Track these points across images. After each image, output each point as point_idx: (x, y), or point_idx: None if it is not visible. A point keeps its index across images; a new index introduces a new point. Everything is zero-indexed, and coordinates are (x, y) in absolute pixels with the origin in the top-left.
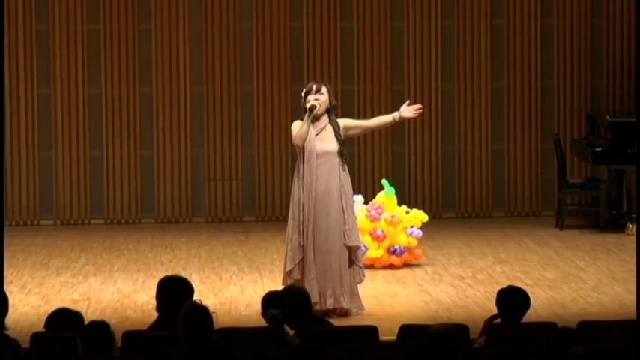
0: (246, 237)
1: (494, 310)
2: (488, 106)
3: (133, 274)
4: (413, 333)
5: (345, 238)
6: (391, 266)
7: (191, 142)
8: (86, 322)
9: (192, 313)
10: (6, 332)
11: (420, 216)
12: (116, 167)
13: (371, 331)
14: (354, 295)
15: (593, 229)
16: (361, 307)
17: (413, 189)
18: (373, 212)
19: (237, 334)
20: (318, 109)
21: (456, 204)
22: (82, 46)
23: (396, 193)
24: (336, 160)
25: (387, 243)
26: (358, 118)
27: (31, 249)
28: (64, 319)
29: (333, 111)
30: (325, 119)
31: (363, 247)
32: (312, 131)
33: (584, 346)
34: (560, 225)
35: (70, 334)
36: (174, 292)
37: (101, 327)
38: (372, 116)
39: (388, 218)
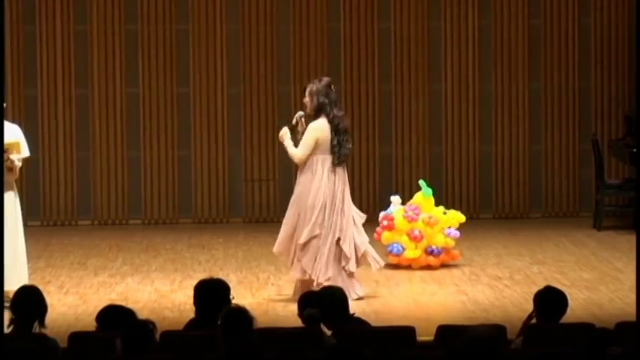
0: None
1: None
2: (526, 106)
3: (171, 274)
4: (450, 334)
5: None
6: (428, 267)
7: (228, 142)
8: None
9: (232, 316)
10: (44, 332)
11: (457, 216)
12: (154, 167)
13: (408, 332)
14: None
15: (631, 229)
16: None
17: (450, 189)
18: (410, 213)
19: (274, 335)
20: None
21: (493, 205)
22: (119, 46)
23: (434, 194)
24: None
25: (424, 243)
26: (395, 118)
27: (69, 249)
28: (115, 316)
29: (322, 110)
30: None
31: (398, 247)
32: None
33: (621, 346)
34: (598, 226)
35: (109, 335)
36: (211, 296)
37: (143, 327)
38: (410, 117)
39: (426, 219)
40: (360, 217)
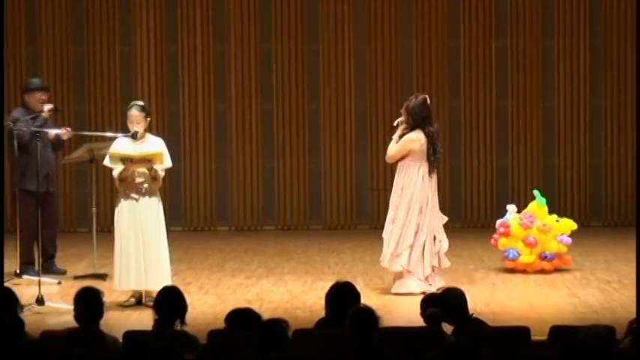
0: None
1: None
2: (634, 119)
3: (302, 276)
4: (562, 334)
5: None
6: (542, 271)
7: (356, 153)
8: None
9: (360, 315)
10: (185, 329)
11: (569, 224)
12: (287, 177)
13: (523, 332)
14: None
15: None
16: None
17: (563, 199)
18: (526, 220)
19: (398, 333)
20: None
21: (603, 213)
22: (255, 64)
23: (547, 203)
24: None
25: (538, 249)
26: (511, 132)
27: (208, 252)
28: (242, 318)
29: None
30: None
31: (514, 253)
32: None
33: None
34: None
35: (246, 333)
36: (340, 297)
37: (277, 326)
38: (525, 130)
39: (540, 226)
40: (443, 219)
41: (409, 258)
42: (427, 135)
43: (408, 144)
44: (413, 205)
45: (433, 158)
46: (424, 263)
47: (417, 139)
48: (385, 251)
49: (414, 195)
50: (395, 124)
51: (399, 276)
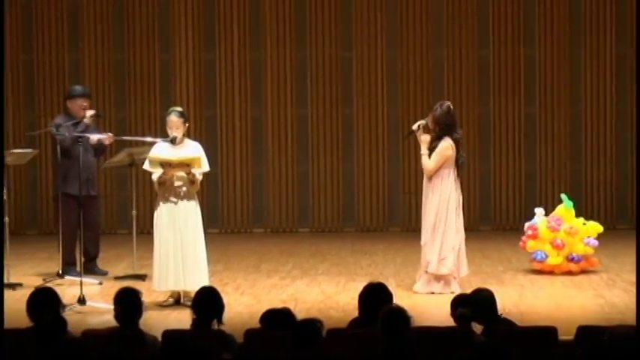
0: None
1: None
2: None
3: (336, 277)
4: (589, 333)
5: None
6: (569, 272)
7: (388, 157)
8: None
9: (392, 315)
10: (222, 328)
11: (596, 227)
12: (320, 180)
13: (551, 332)
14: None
15: None
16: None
17: (589, 202)
18: (553, 223)
19: (429, 334)
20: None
21: (629, 216)
22: (290, 70)
23: (574, 206)
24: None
25: (565, 251)
26: (539, 137)
27: (244, 254)
28: (277, 318)
29: (447, 133)
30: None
31: (541, 254)
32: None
33: None
34: None
35: (281, 332)
36: (374, 298)
37: (312, 325)
38: (552, 136)
39: (567, 229)
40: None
41: (453, 260)
42: (455, 141)
43: (444, 152)
44: (450, 209)
45: (461, 162)
46: (463, 263)
47: (449, 145)
48: (429, 257)
49: (449, 199)
50: (415, 127)
51: (444, 279)
